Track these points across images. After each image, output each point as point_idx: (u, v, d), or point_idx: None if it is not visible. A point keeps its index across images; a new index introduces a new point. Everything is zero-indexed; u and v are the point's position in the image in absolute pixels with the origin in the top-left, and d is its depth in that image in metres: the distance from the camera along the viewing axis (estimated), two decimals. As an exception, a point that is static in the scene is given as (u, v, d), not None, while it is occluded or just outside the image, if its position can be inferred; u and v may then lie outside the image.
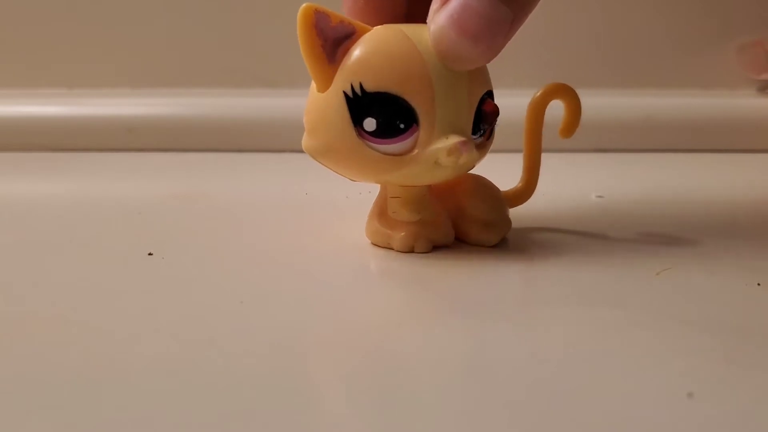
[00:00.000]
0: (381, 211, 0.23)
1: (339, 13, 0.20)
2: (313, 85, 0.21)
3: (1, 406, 0.14)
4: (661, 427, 0.13)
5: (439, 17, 0.19)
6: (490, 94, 0.21)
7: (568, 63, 0.40)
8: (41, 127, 0.40)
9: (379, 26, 0.20)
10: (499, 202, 0.23)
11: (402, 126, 0.20)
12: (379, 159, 0.20)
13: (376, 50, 0.20)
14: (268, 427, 0.13)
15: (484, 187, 0.23)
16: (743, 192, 0.31)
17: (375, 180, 0.21)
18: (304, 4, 0.19)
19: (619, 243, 0.24)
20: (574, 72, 0.36)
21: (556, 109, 0.23)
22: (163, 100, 0.41)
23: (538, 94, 0.23)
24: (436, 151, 0.20)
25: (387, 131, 0.20)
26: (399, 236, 0.22)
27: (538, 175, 0.24)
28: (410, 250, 0.22)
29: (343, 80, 0.20)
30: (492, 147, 0.22)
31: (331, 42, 0.20)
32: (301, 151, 0.22)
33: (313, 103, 0.21)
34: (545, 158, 0.24)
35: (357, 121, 0.20)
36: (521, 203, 0.24)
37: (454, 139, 0.20)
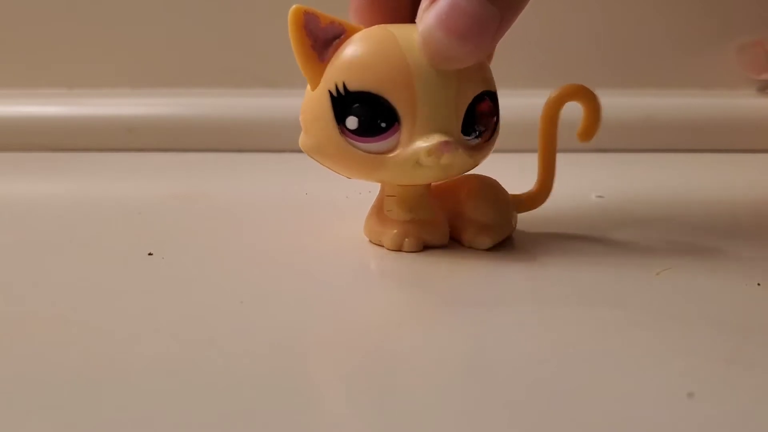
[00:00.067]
0: (379, 209, 0.23)
1: (329, 15, 0.20)
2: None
3: (1, 406, 0.14)
4: (661, 427, 0.13)
5: (427, 17, 0.19)
6: (490, 95, 0.21)
7: (568, 63, 0.40)
8: (41, 127, 0.40)
9: (371, 27, 0.21)
10: (501, 205, 0.23)
11: (383, 125, 0.20)
12: (363, 157, 0.20)
13: (359, 50, 0.20)
14: (268, 427, 0.13)
15: (487, 188, 0.23)
16: (743, 192, 0.31)
17: (364, 178, 0.21)
18: (293, 6, 0.20)
19: (619, 243, 0.24)
20: (574, 72, 0.36)
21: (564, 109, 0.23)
22: (163, 100, 0.41)
23: (554, 95, 0.22)
24: (417, 151, 0.20)
25: (368, 130, 0.20)
26: (389, 234, 0.22)
27: (553, 178, 0.23)
28: (399, 249, 0.22)
29: (329, 79, 0.20)
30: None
31: (322, 42, 0.20)
32: (301, 151, 0.22)
33: (308, 101, 0.21)
34: (545, 158, 0.24)
35: (340, 120, 0.20)
36: (535, 207, 0.24)
37: (435, 139, 0.20)
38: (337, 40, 0.20)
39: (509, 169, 0.24)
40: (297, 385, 0.15)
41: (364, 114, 0.20)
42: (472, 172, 0.22)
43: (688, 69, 0.41)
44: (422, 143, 0.20)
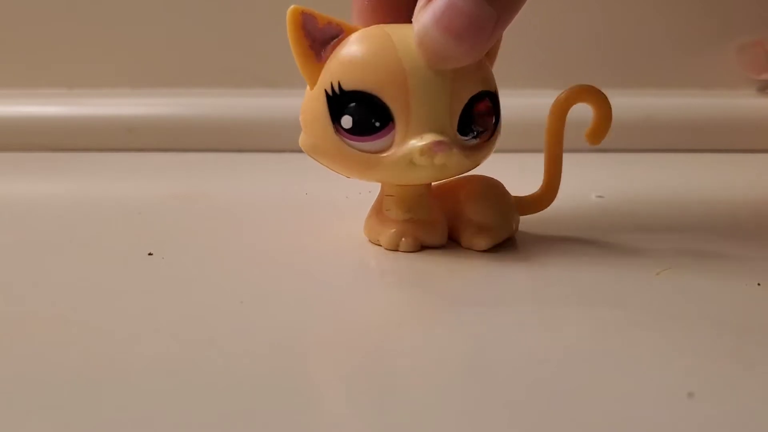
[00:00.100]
0: (378, 209, 0.23)
1: (326, 15, 0.20)
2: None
3: (1, 406, 0.14)
4: (661, 427, 0.13)
5: (422, 16, 0.19)
6: (489, 95, 0.21)
7: (568, 63, 0.40)
8: (41, 127, 0.40)
9: (368, 27, 0.21)
10: (502, 207, 0.23)
11: (377, 124, 0.20)
12: (358, 157, 0.20)
13: (354, 50, 0.20)
14: (268, 427, 0.13)
15: (489, 189, 0.23)
16: (743, 192, 0.31)
17: (360, 177, 0.21)
18: (291, 7, 0.20)
19: (619, 243, 0.24)
20: (574, 72, 0.36)
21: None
22: (163, 100, 0.41)
23: (563, 95, 0.22)
24: (410, 150, 0.20)
25: (363, 129, 0.20)
26: (386, 233, 0.22)
27: (559, 180, 0.23)
28: (396, 248, 0.22)
29: (325, 79, 0.20)
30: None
31: (319, 42, 0.20)
32: (301, 151, 0.22)
33: (307, 101, 0.21)
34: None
35: (335, 119, 0.20)
36: (540, 210, 0.24)
37: (428, 139, 0.20)
38: (335, 40, 0.21)
39: (509, 170, 0.24)
40: (297, 385, 0.15)
41: (359, 113, 0.20)
42: (473, 172, 0.22)
43: (688, 69, 0.41)
44: (416, 142, 0.20)
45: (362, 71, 0.20)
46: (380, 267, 0.22)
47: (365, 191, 0.25)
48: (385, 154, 0.20)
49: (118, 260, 0.22)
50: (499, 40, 0.22)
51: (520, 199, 0.23)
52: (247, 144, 0.39)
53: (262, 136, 0.39)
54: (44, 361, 0.16)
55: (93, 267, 0.22)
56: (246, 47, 0.41)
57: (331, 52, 0.20)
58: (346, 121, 0.20)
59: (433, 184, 0.23)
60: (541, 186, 0.24)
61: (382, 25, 0.21)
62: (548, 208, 0.24)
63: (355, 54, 0.20)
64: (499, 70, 0.22)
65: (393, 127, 0.20)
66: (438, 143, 0.19)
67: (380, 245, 0.23)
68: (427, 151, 0.19)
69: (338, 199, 0.28)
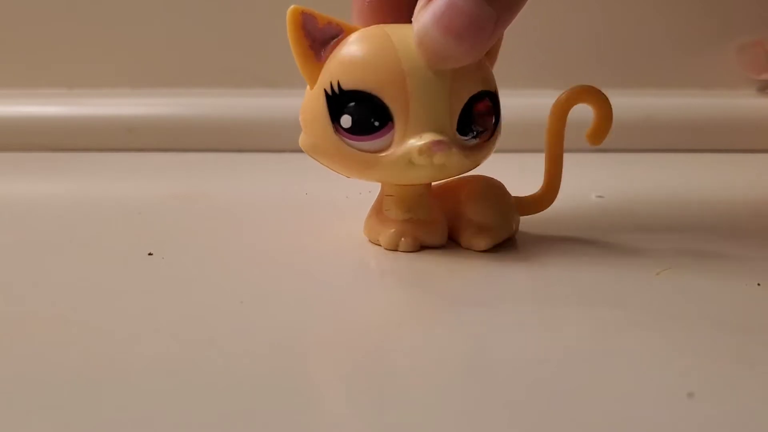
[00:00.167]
0: (378, 209, 0.23)
1: (326, 15, 0.20)
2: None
3: (1, 406, 0.14)
4: (661, 427, 0.13)
5: (422, 16, 0.19)
6: (489, 95, 0.21)
7: (568, 63, 0.40)
8: (41, 127, 0.40)
9: (367, 27, 0.21)
10: (502, 207, 0.23)
11: (377, 124, 0.20)
12: (358, 156, 0.20)
13: (353, 49, 0.20)
14: (268, 427, 0.13)
15: (490, 189, 0.23)
16: (743, 192, 0.31)
17: (360, 177, 0.21)
18: (291, 7, 0.20)
19: (619, 243, 0.24)
20: (574, 72, 0.36)
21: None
22: (163, 100, 0.41)
23: (563, 96, 0.22)
24: (409, 150, 0.20)
25: (362, 129, 0.20)
26: (386, 233, 0.22)
27: (560, 180, 0.23)
28: (395, 248, 0.22)
29: (325, 79, 0.20)
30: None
31: (319, 42, 0.20)
32: (301, 151, 0.22)
33: (307, 101, 0.21)
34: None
35: (335, 119, 0.20)
36: (540, 210, 0.24)
37: (427, 138, 0.20)
38: (335, 40, 0.21)
39: (509, 170, 0.24)
40: (297, 385, 0.15)
41: (358, 113, 0.20)
42: (473, 172, 0.22)
43: (688, 69, 0.41)
44: (414, 142, 0.20)
45: (361, 71, 0.20)
46: (380, 267, 0.22)
47: (365, 191, 0.25)
48: (384, 154, 0.20)
49: (118, 260, 0.22)
50: (499, 40, 0.22)
51: (520, 200, 0.23)
52: (247, 144, 0.39)
53: (262, 136, 0.39)
54: (44, 361, 0.16)
55: (93, 267, 0.22)
56: (246, 47, 0.41)
57: (331, 52, 0.20)
58: (346, 120, 0.20)
59: (432, 184, 0.23)
60: (542, 186, 0.24)
61: (381, 25, 0.21)
62: (549, 208, 0.24)
63: (355, 54, 0.20)
64: (499, 70, 0.22)
65: (392, 127, 0.20)
66: (437, 143, 0.19)
67: (380, 245, 0.23)
68: (426, 150, 0.19)
69: (338, 199, 0.28)
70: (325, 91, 0.20)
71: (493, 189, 0.23)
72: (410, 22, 0.22)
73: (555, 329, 0.17)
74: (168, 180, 0.34)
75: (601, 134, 0.22)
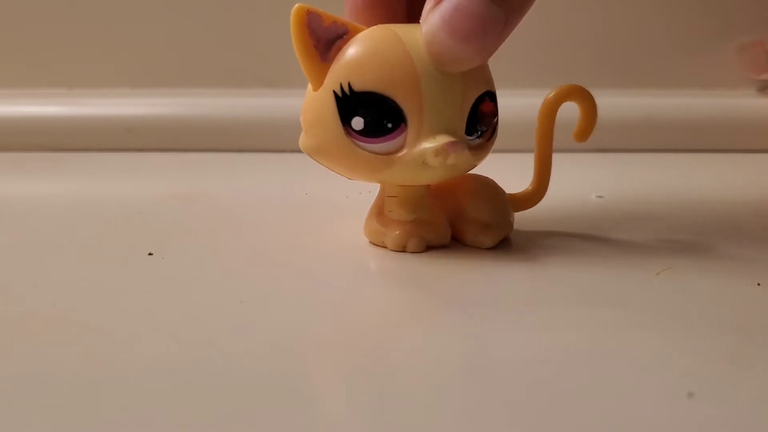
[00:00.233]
0: (379, 210, 0.23)
1: (332, 14, 0.20)
2: (310, 84, 0.21)
3: (1, 406, 0.14)
4: (661, 427, 0.13)
5: (431, 18, 0.19)
6: (490, 95, 0.21)
7: (567, 63, 0.40)
8: (41, 127, 0.40)
9: (373, 27, 0.20)
10: (501, 203, 0.23)
11: (390, 125, 0.20)
12: (369, 158, 0.20)
13: (365, 50, 0.20)
14: (268, 427, 0.13)
15: (486, 187, 0.23)
16: (743, 192, 0.31)
17: (368, 179, 0.21)
18: (296, 5, 0.20)
19: (619, 243, 0.24)
20: (574, 72, 0.36)
21: (561, 109, 0.23)
22: (163, 100, 0.41)
23: (551, 95, 0.22)
24: (424, 152, 0.20)
25: (375, 131, 0.20)
26: (392, 235, 0.22)
27: (549, 178, 0.24)
28: (403, 249, 0.22)
29: (334, 80, 0.20)
30: (492, 147, 0.22)
31: (324, 42, 0.20)
32: (301, 151, 0.22)
33: (309, 102, 0.21)
34: (545, 158, 0.24)
35: (345, 121, 0.20)
36: (531, 206, 0.24)
37: (442, 140, 0.19)
38: (340, 40, 0.20)
39: (510, 170, 0.24)
40: (297, 385, 0.15)
41: (371, 115, 0.20)
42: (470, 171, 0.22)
43: (688, 69, 0.41)
44: (429, 144, 0.20)
45: (374, 72, 0.20)
46: (380, 267, 0.22)
47: (365, 191, 0.25)
48: (396, 156, 0.20)
49: (118, 260, 0.22)
50: None
51: (511, 197, 0.24)
52: (247, 144, 0.39)
53: (262, 136, 0.39)
54: (44, 361, 0.16)
55: (93, 267, 0.22)
56: (246, 47, 0.41)
57: (336, 53, 0.20)
58: (357, 122, 0.20)
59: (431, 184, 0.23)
60: (532, 183, 0.24)
61: (388, 25, 0.21)
62: (549, 208, 0.24)
63: (367, 55, 0.20)
64: (499, 70, 0.22)
65: (405, 129, 0.20)
66: (452, 144, 0.19)
67: (383, 247, 0.23)
68: (442, 151, 0.19)
69: (338, 199, 0.28)
70: (334, 92, 0.20)
71: (490, 187, 0.23)
72: (404, 20, 0.22)
73: (555, 329, 0.17)
74: (168, 180, 0.34)
75: (587, 132, 0.23)
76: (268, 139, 0.39)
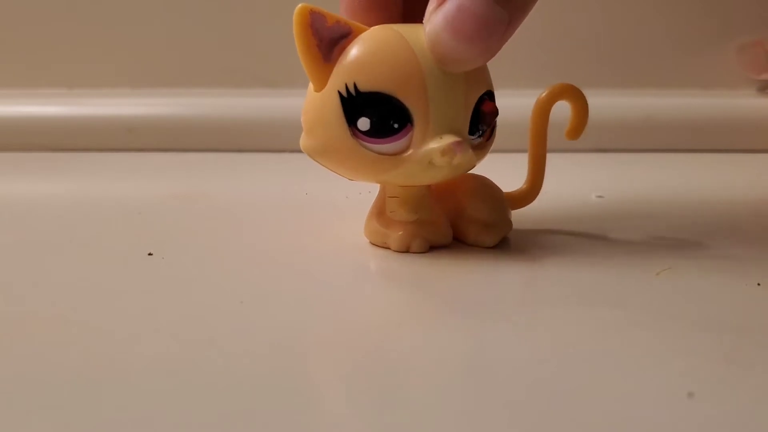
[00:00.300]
0: (379, 211, 0.23)
1: (335, 14, 0.20)
2: (311, 84, 0.21)
3: (1, 406, 0.14)
4: (661, 427, 0.13)
5: (434, 19, 0.19)
6: (489, 95, 0.21)
7: (568, 63, 0.40)
8: (41, 127, 0.40)
9: (376, 26, 0.20)
10: (500, 202, 0.23)
11: (396, 126, 0.20)
12: (374, 159, 0.20)
13: (370, 50, 0.20)
14: (268, 427, 0.13)
15: (485, 187, 0.23)
16: (743, 192, 0.31)
17: (371, 180, 0.21)
18: (299, 5, 0.19)
19: (619, 243, 0.24)
20: (574, 72, 0.36)
21: (559, 108, 0.23)
22: (163, 100, 0.41)
23: (544, 94, 0.23)
24: (430, 152, 0.20)
25: (381, 131, 0.20)
26: (396, 236, 0.22)
27: (543, 176, 0.24)
28: (406, 250, 0.22)
29: (338, 80, 0.20)
30: (492, 147, 0.22)
31: (327, 42, 0.20)
32: (301, 151, 0.22)
33: (311, 102, 0.21)
34: (545, 158, 0.24)
35: (351, 121, 0.20)
36: (526, 205, 0.24)
37: (448, 140, 0.19)
38: (344, 40, 0.20)
39: (509, 169, 0.24)
40: (297, 385, 0.15)
41: (377, 115, 0.20)
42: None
43: (688, 69, 0.41)
44: (435, 144, 0.20)
45: (380, 72, 0.20)
46: (380, 267, 0.22)
47: (365, 191, 0.25)
48: (402, 156, 0.20)
49: (118, 260, 0.22)
50: None
51: (507, 195, 0.24)
52: (247, 144, 0.40)
53: (262, 136, 0.39)
54: (44, 361, 0.16)
55: (93, 267, 0.22)
56: (246, 47, 0.41)
57: (340, 53, 0.20)
58: (363, 123, 0.20)
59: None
60: (526, 182, 0.24)
61: (389, 25, 0.21)
62: (549, 208, 0.24)
63: (372, 55, 0.20)
64: (499, 70, 0.22)
65: (411, 129, 0.20)
66: (458, 143, 0.19)
67: (384, 247, 0.23)
68: (449, 151, 0.19)
69: (338, 199, 0.28)
70: (339, 93, 0.20)
71: (488, 187, 0.23)
72: (401, 21, 0.22)
73: (555, 329, 0.17)
74: (168, 180, 0.34)
75: (578, 130, 0.23)
76: (268, 139, 0.39)
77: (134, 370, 0.15)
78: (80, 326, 0.17)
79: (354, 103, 0.20)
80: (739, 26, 0.41)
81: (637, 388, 0.14)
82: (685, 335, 0.17)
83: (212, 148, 0.39)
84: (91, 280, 0.21)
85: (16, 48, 0.41)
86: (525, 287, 0.21)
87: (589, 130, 0.23)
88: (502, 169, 0.24)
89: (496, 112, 0.21)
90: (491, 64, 0.21)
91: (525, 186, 0.24)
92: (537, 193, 0.24)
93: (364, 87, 0.20)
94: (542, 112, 0.23)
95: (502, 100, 0.22)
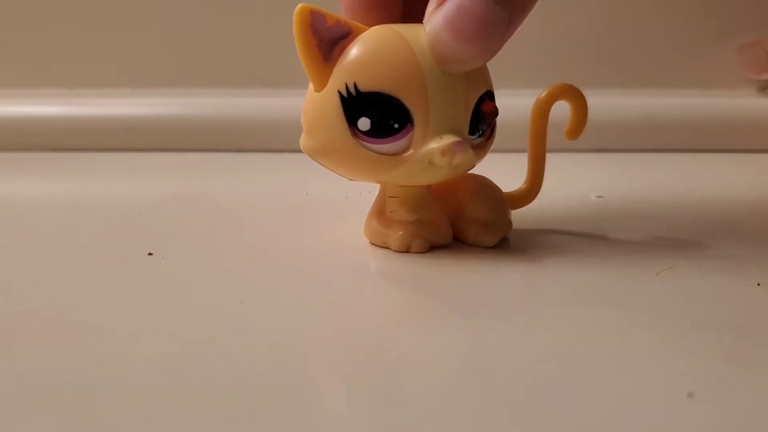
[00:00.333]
0: (380, 211, 0.23)
1: (335, 14, 0.20)
2: (311, 85, 0.21)
3: (1, 406, 0.14)
4: (661, 427, 0.13)
5: (434, 19, 0.19)
6: (489, 94, 0.21)
7: (568, 63, 0.40)
8: (41, 127, 0.40)
9: (376, 26, 0.20)
10: (500, 202, 0.23)
11: (396, 126, 0.20)
12: (374, 159, 0.20)
13: (370, 50, 0.20)
14: (268, 427, 0.13)
15: (485, 187, 0.23)
16: (743, 192, 0.31)
17: (371, 179, 0.21)
18: (299, 5, 0.19)
19: (619, 243, 0.24)
20: (574, 72, 0.36)
21: (559, 109, 0.23)
22: (163, 100, 0.41)
23: (543, 94, 0.23)
24: (430, 152, 0.20)
25: (381, 131, 0.20)
26: (396, 236, 0.22)
27: (542, 176, 0.24)
28: (407, 250, 0.22)
29: (338, 80, 0.20)
30: (492, 147, 0.22)
31: (327, 42, 0.20)
32: (301, 151, 0.22)
33: (311, 102, 0.21)
34: (545, 158, 0.24)
35: (351, 121, 0.20)
36: (525, 205, 0.24)
37: (448, 140, 0.19)
38: (344, 40, 0.20)
39: (509, 169, 0.24)
40: (297, 385, 0.15)
41: (377, 115, 0.20)
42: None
43: (688, 69, 0.41)
44: (435, 144, 0.20)
45: (380, 72, 0.20)
46: (380, 267, 0.22)
47: (365, 191, 0.25)
48: (402, 156, 0.20)
49: (118, 260, 0.22)
50: None
51: (507, 195, 0.24)
52: (247, 144, 0.40)
53: (262, 136, 0.39)
54: (44, 361, 0.16)
55: (93, 267, 0.22)
56: (246, 47, 0.41)
57: (340, 53, 0.20)
58: (364, 123, 0.20)
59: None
60: (526, 182, 0.24)
61: (389, 25, 0.21)
62: (549, 208, 0.24)
63: (372, 55, 0.20)
64: (499, 70, 0.22)
65: (411, 129, 0.20)
66: (458, 143, 0.19)
67: (385, 247, 0.23)
68: (449, 151, 0.19)
69: (338, 199, 0.28)
70: (339, 93, 0.20)
71: (488, 186, 0.23)
72: (400, 20, 0.22)
73: (555, 329, 0.17)
74: (168, 180, 0.34)
75: (578, 130, 0.23)
76: (268, 139, 0.39)
77: (134, 370, 0.15)
78: (80, 326, 0.17)
79: (354, 103, 0.20)
80: (739, 26, 0.41)
81: (637, 388, 0.14)
82: (685, 335, 0.17)
83: (212, 148, 0.39)
84: (91, 280, 0.21)
85: (16, 48, 0.41)
86: (525, 287, 0.21)
87: (589, 130, 0.23)
88: (502, 169, 0.24)
89: (496, 112, 0.21)
90: (491, 64, 0.21)
91: (525, 186, 0.24)
92: (537, 193, 0.24)
93: (364, 87, 0.20)
94: (542, 112, 0.23)
95: (502, 100, 0.22)
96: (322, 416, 0.14)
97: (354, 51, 0.20)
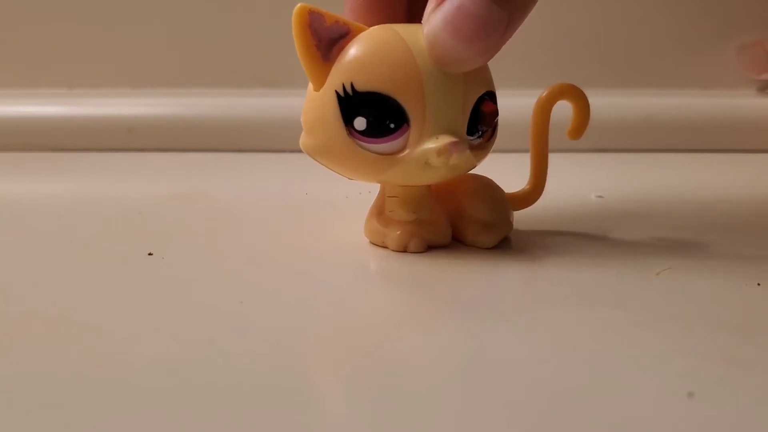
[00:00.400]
0: (379, 211, 0.23)
1: (334, 14, 0.20)
2: (311, 84, 0.21)
3: (1, 406, 0.14)
4: (661, 427, 0.13)
5: (433, 19, 0.19)
6: (490, 95, 0.21)
7: (568, 63, 0.40)
8: (41, 127, 0.40)
9: (375, 26, 0.20)
10: (500, 203, 0.23)
11: (392, 126, 0.20)
12: (371, 158, 0.20)
13: (367, 50, 0.20)
14: (268, 427, 0.13)
15: (486, 187, 0.23)
16: (743, 192, 0.31)
17: (370, 179, 0.21)
18: (298, 5, 0.20)
19: (619, 243, 0.24)
20: (575, 72, 0.36)
21: (559, 108, 0.23)
22: (163, 100, 0.41)
23: (544, 94, 0.23)
24: (426, 152, 0.20)
25: (377, 131, 0.20)
26: (393, 235, 0.22)
27: (545, 177, 0.24)
28: (404, 249, 0.22)
29: (336, 80, 0.20)
30: (493, 147, 0.22)
31: (326, 42, 0.20)
32: (301, 151, 0.22)
33: (310, 102, 0.21)
34: (545, 158, 0.24)
35: (348, 121, 0.20)
36: (528, 205, 0.24)
37: (444, 140, 0.19)
38: (342, 40, 0.20)
39: (510, 169, 0.24)
40: (297, 385, 0.15)
41: (373, 115, 0.20)
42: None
43: (688, 69, 0.41)
44: (431, 144, 0.20)
45: (377, 72, 0.20)
46: (380, 267, 0.22)
47: (365, 191, 0.25)
48: (398, 156, 0.20)
49: (118, 260, 0.22)
50: None
51: (509, 196, 0.24)
52: (247, 144, 0.40)
53: (262, 136, 0.39)
54: (44, 361, 0.16)
55: (93, 267, 0.22)
56: (246, 47, 0.41)
57: (338, 53, 0.20)
58: (360, 122, 0.20)
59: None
60: (529, 183, 0.24)
61: (389, 24, 0.21)
62: (549, 208, 0.24)
63: (369, 54, 0.20)
64: (499, 70, 0.22)
65: (407, 129, 0.20)
66: (454, 144, 0.19)
67: (383, 247, 0.23)
68: (445, 152, 0.19)
69: (338, 199, 0.28)
70: (336, 92, 0.20)
71: (489, 187, 0.23)
72: (405, 21, 0.22)
73: (555, 329, 0.17)
74: (168, 180, 0.34)
75: (580, 130, 0.23)
76: (268, 139, 0.39)
77: (134, 370, 0.15)
78: (80, 326, 0.17)
79: (351, 103, 0.20)
80: (739, 26, 0.41)
81: (637, 388, 0.14)
82: (685, 335, 0.17)
83: (212, 148, 0.39)
84: (91, 280, 0.21)
85: (16, 48, 0.41)
86: (525, 287, 0.21)
87: (589, 130, 0.23)
88: (503, 169, 0.24)
89: (496, 113, 0.21)
90: (491, 64, 0.21)
91: (528, 187, 0.24)
92: (540, 194, 0.24)
93: (360, 87, 0.20)
94: (543, 112, 0.23)
95: (502, 100, 0.22)
96: (322, 416, 0.14)
97: (352, 51, 0.20)
